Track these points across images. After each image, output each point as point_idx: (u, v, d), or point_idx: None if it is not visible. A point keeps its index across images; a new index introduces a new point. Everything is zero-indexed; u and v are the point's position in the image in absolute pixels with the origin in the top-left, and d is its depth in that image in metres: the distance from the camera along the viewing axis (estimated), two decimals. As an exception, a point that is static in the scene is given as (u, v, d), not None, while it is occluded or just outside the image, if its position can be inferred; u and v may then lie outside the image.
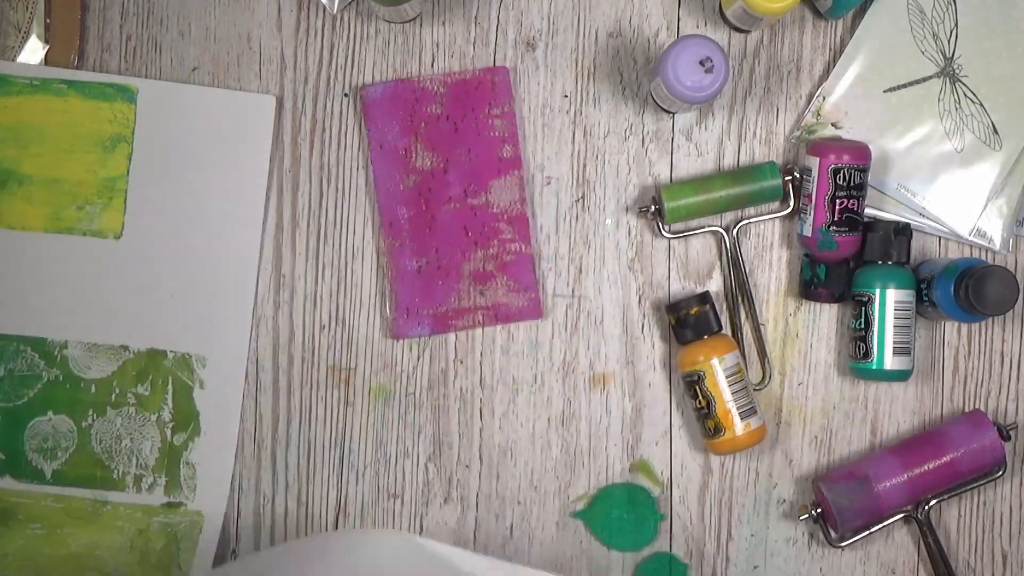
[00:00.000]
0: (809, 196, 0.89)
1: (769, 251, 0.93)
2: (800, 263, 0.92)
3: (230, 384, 0.90)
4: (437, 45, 0.92)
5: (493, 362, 0.92)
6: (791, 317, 0.93)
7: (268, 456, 0.91)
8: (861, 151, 0.89)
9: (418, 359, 0.92)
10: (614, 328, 0.92)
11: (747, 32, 0.93)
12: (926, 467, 0.89)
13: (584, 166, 0.93)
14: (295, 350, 0.92)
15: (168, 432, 0.90)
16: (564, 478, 0.92)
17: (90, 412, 0.89)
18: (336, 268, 0.92)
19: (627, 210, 0.93)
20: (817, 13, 0.93)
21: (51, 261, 0.90)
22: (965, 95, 0.91)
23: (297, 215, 0.92)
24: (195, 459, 0.90)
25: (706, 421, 0.89)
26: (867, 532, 0.91)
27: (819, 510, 0.90)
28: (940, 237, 0.93)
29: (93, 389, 0.90)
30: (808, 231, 0.90)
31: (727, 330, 0.92)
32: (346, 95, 0.92)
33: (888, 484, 0.89)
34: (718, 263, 0.93)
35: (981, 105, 0.91)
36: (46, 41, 0.90)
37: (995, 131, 0.92)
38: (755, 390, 0.92)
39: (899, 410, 0.93)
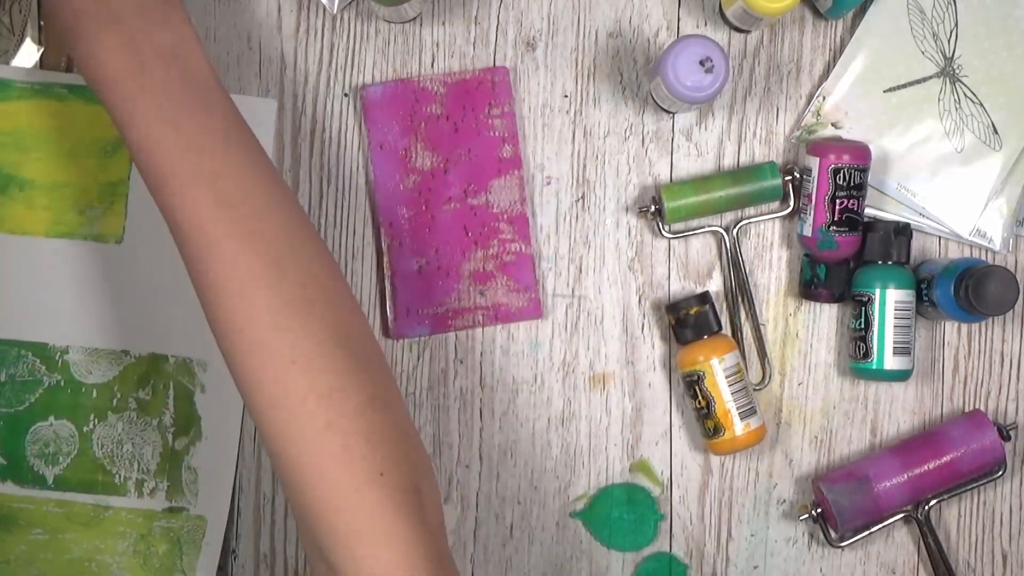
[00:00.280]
0: (809, 196, 0.89)
1: (769, 251, 0.93)
2: (800, 263, 0.92)
3: (231, 388, 0.90)
4: (437, 45, 0.92)
5: (493, 362, 0.92)
6: (791, 317, 0.93)
7: (268, 456, 0.91)
8: (861, 151, 0.89)
9: (418, 359, 0.92)
10: (614, 328, 0.92)
11: (747, 32, 0.93)
12: (926, 467, 0.89)
13: (584, 166, 0.93)
14: (295, 350, 0.91)
15: (169, 437, 0.90)
16: (564, 478, 0.92)
17: (91, 417, 0.89)
18: (336, 268, 0.92)
19: (627, 210, 0.93)
20: (817, 13, 0.93)
21: (52, 266, 0.89)
22: (965, 95, 0.91)
23: (297, 215, 0.92)
24: (197, 464, 0.90)
25: (706, 421, 0.89)
26: (867, 532, 0.91)
27: (819, 510, 0.90)
28: (940, 237, 0.93)
29: (94, 394, 0.90)
30: (808, 231, 0.90)
31: (727, 330, 0.92)
32: (346, 95, 0.92)
33: (888, 484, 0.89)
34: (718, 263, 0.93)
35: (981, 105, 0.91)
36: (40, 43, 0.90)
37: (995, 131, 0.92)
38: (755, 390, 0.92)
39: (899, 410, 0.93)
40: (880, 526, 0.91)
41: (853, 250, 0.90)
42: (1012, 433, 0.91)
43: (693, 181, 0.91)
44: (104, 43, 0.74)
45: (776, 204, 0.93)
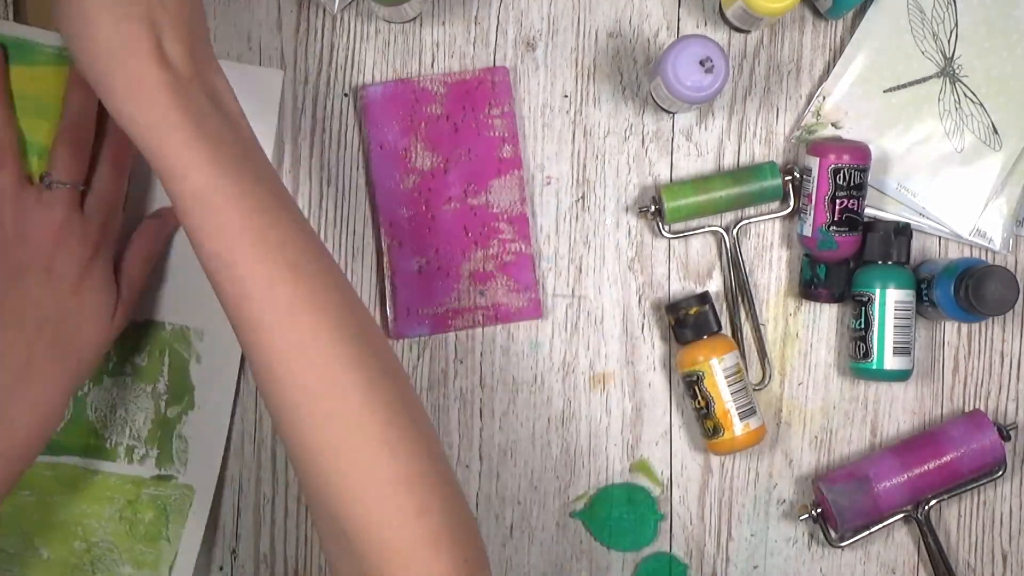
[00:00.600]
0: (809, 196, 0.89)
1: (769, 251, 0.93)
2: (800, 263, 0.92)
3: (226, 359, 0.90)
4: (437, 45, 0.92)
5: (493, 362, 0.92)
6: (791, 317, 0.93)
7: (268, 456, 0.91)
8: (861, 151, 0.89)
9: (418, 359, 0.92)
10: (614, 328, 0.92)
11: (747, 32, 0.93)
12: (926, 467, 0.89)
13: (584, 166, 0.93)
14: (295, 350, 0.91)
15: (162, 404, 0.89)
16: (564, 478, 0.92)
17: (87, 380, 0.89)
18: (336, 268, 0.92)
19: (627, 210, 0.93)
20: (817, 13, 0.93)
21: None
22: (965, 95, 0.91)
23: (297, 215, 0.92)
24: (188, 433, 0.89)
25: (705, 421, 0.89)
26: (867, 532, 0.91)
27: (819, 510, 0.90)
28: (940, 237, 0.93)
29: None
30: (808, 231, 0.90)
31: (727, 330, 0.92)
32: (346, 95, 0.92)
33: (888, 484, 0.89)
34: (718, 263, 0.93)
35: (981, 105, 0.91)
36: None
37: (995, 131, 0.92)
38: (755, 390, 0.92)
39: (899, 410, 0.93)
40: (880, 526, 0.91)
41: (853, 250, 0.90)
42: (1012, 433, 0.91)
43: (693, 181, 0.91)
44: (158, 82, 0.69)
45: (776, 204, 0.93)
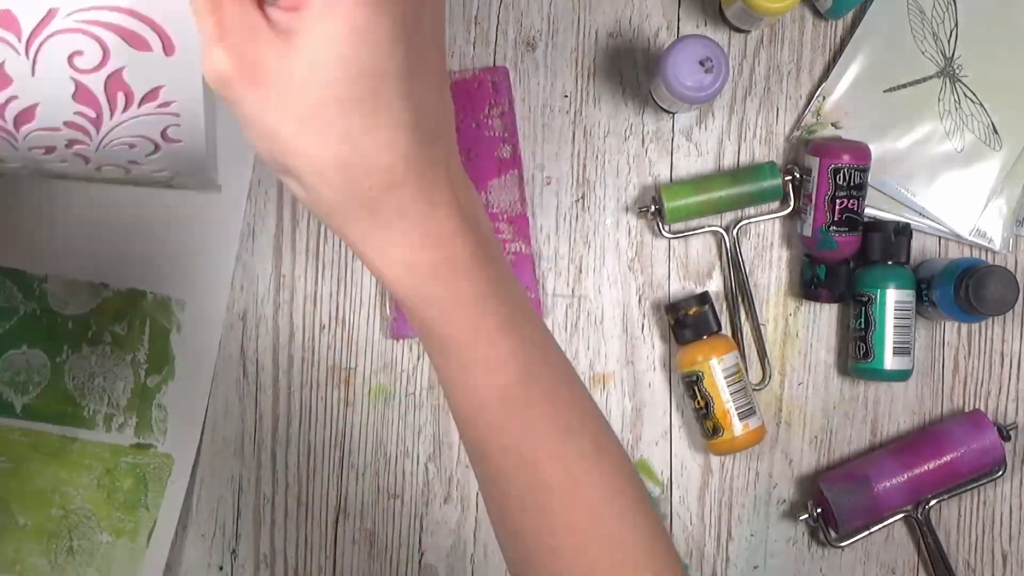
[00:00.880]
0: (809, 196, 0.89)
1: (769, 251, 0.93)
2: (800, 263, 0.92)
3: (207, 330, 0.89)
4: (437, 45, 0.92)
5: (493, 362, 0.92)
6: (791, 317, 0.93)
7: (268, 456, 0.91)
8: (861, 151, 0.89)
9: (418, 359, 0.92)
10: (614, 328, 0.92)
11: (747, 32, 0.93)
12: (926, 467, 0.89)
13: (584, 166, 0.93)
14: (295, 350, 0.92)
15: (142, 373, 0.89)
16: (564, 478, 0.92)
17: (65, 348, 0.89)
18: (336, 268, 0.92)
19: (627, 210, 0.93)
20: (817, 13, 0.93)
21: (35, 195, 0.89)
22: (965, 95, 0.91)
23: (297, 215, 0.92)
24: (167, 402, 0.89)
25: (705, 421, 0.89)
26: (867, 532, 0.91)
27: (819, 510, 0.90)
28: (940, 237, 0.93)
29: (70, 325, 0.89)
30: (808, 231, 0.90)
31: (727, 330, 0.92)
32: (346, 95, 0.92)
33: (888, 484, 0.89)
34: (718, 263, 0.93)
35: (981, 105, 0.91)
36: None
37: (995, 131, 0.91)
38: (755, 390, 0.92)
39: (899, 410, 0.93)
40: (880, 526, 0.91)
41: (853, 250, 0.90)
42: (1012, 433, 0.91)
43: (693, 181, 0.91)
44: (464, 245, 0.54)
45: (776, 204, 0.93)
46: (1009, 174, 0.92)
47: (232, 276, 0.91)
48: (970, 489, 0.92)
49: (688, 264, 0.93)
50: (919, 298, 0.90)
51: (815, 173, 0.89)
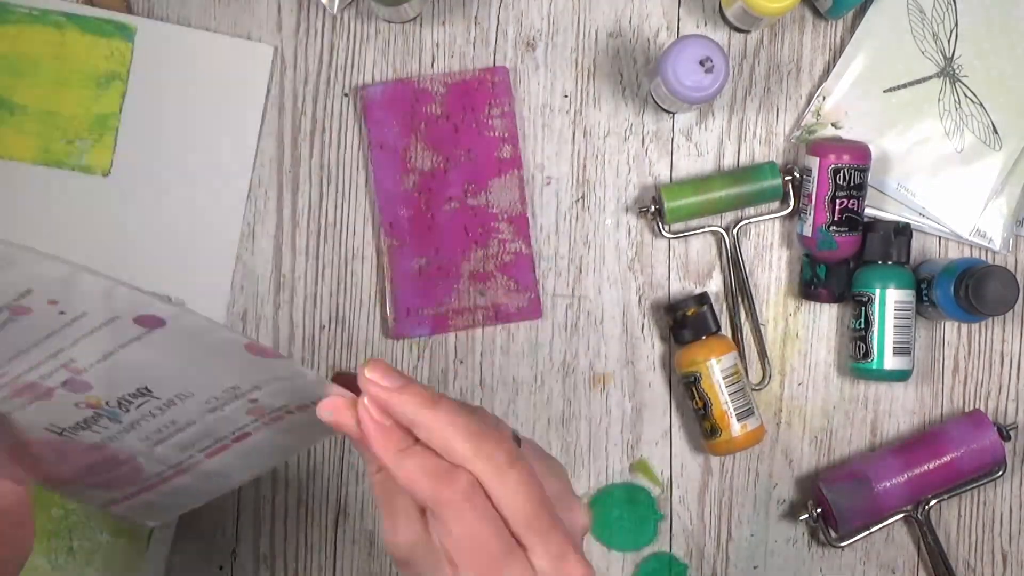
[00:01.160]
0: (809, 196, 0.89)
1: (769, 251, 0.93)
2: (800, 263, 0.92)
3: None
4: (437, 45, 0.92)
5: (493, 362, 0.92)
6: (791, 317, 0.93)
7: (268, 456, 0.91)
8: (861, 151, 0.89)
9: (418, 359, 0.92)
10: (614, 328, 0.92)
11: (747, 32, 0.93)
12: (926, 467, 0.89)
13: (584, 166, 0.93)
14: (295, 350, 0.92)
15: None
16: (564, 478, 0.92)
17: None
18: (336, 268, 0.92)
19: (627, 210, 0.93)
20: (817, 13, 0.93)
21: (37, 193, 0.89)
22: (965, 95, 0.91)
23: (297, 215, 0.92)
24: None
25: (703, 422, 0.89)
26: (867, 532, 0.91)
27: (819, 510, 0.90)
28: (940, 237, 0.93)
29: None
30: (808, 231, 0.90)
31: (727, 330, 0.92)
32: (346, 95, 0.92)
33: (888, 484, 0.89)
34: (718, 263, 0.93)
35: (981, 105, 0.91)
36: None
37: (995, 131, 0.91)
38: (754, 390, 0.92)
39: (899, 410, 0.93)
40: (880, 526, 0.91)
41: (853, 250, 0.90)
42: (1012, 433, 0.91)
43: (693, 181, 0.91)
44: None
45: (776, 204, 0.93)
46: (1009, 174, 0.92)
47: (232, 276, 0.91)
48: (970, 489, 0.92)
49: (688, 264, 0.93)
50: (919, 298, 0.90)
51: (815, 173, 0.89)
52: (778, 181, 0.91)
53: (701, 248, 0.93)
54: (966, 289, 0.85)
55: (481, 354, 0.92)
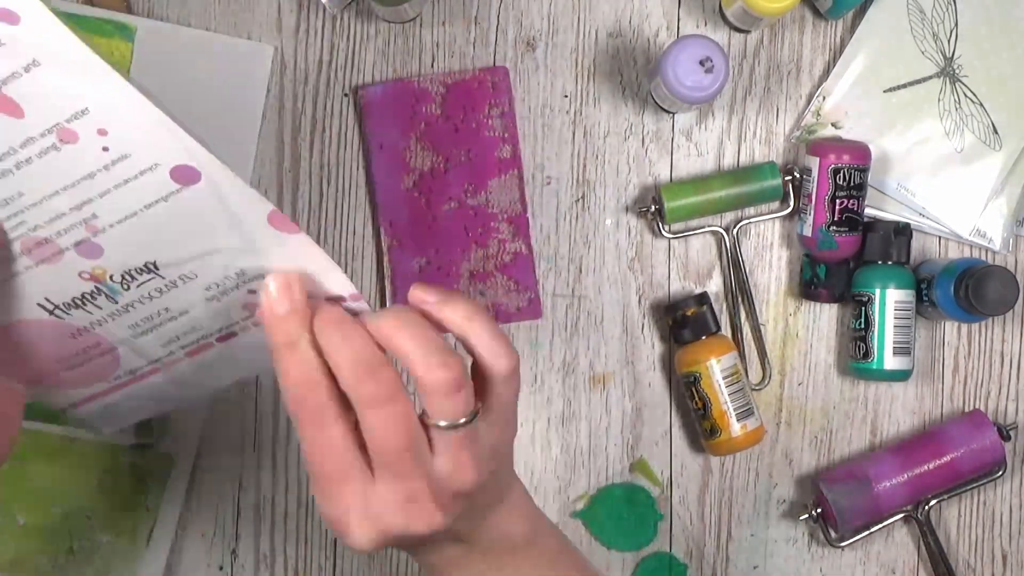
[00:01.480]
0: (809, 196, 0.89)
1: (769, 251, 0.93)
2: (800, 263, 0.92)
3: None
4: (437, 45, 0.92)
5: (493, 362, 0.92)
6: (791, 317, 0.93)
7: (268, 456, 0.91)
8: (861, 151, 0.89)
9: (418, 359, 0.92)
10: (614, 328, 0.92)
11: (747, 32, 0.93)
12: (926, 467, 0.89)
13: (584, 166, 0.93)
14: (295, 350, 0.91)
15: None
16: (564, 478, 0.92)
17: None
18: (336, 268, 0.92)
19: (627, 210, 0.93)
20: (817, 13, 0.93)
21: None
22: (965, 95, 0.91)
23: (297, 215, 0.92)
24: None
25: (703, 422, 0.89)
26: (867, 532, 0.91)
27: (819, 510, 0.90)
28: (940, 237, 0.93)
29: None
30: (808, 231, 0.90)
31: (727, 330, 0.92)
32: (346, 95, 0.92)
33: (888, 484, 0.89)
34: (718, 263, 0.93)
35: (981, 105, 0.91)
36: None
37: (995, 131, 0.91)
38: (754, 390, 0.92)
39: (899, 410, 0.93)
40: (880, 526, 0.91)
41: (853, 250, 0.90)
42: (1012, 433, 0.91)
43: (693, 181, 0.91)
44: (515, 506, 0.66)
45: (776, 204, 0.93)
46: (1009, 174, 0.92)
47: (232, 276, 0.91)
48: (970, 489, 0.92)
49: (688, 264, 0.93)
50: (919, 298, 0.90)
51: (815, 173, 0.89)
52: (778, 181, 0.91)
53: (701, 248, 0.93)
54: (966, 289, 0.85)
55: (481, 354, 0.92)
